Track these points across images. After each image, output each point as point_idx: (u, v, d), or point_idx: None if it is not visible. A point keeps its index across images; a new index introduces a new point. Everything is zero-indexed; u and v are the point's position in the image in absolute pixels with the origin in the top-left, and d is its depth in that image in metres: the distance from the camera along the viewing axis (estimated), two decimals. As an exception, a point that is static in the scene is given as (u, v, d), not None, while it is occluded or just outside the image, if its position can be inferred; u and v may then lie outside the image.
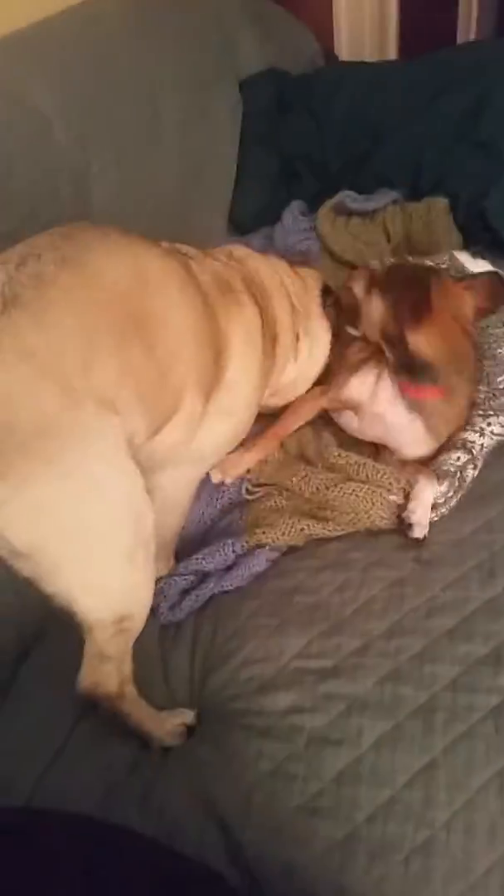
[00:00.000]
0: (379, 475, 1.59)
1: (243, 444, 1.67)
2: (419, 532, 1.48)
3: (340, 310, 1.73)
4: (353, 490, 1.56)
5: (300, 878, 1.07)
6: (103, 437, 1.07)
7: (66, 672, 1.24)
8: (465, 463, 1.60)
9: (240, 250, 1.64)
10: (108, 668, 1.21)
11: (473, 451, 1.61)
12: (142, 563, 1.16)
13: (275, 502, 1.64)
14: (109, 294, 1.13)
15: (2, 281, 1.05)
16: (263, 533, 1.54)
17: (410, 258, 2.11)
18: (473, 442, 1.62)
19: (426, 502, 1.51)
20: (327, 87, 2.68)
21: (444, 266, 2.01)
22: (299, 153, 2.64)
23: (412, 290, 1.58)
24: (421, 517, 1.49)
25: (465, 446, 1.61)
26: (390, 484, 1.56)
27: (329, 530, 1.54)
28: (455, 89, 2.52)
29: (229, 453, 1.64)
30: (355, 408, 1.68)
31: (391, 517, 1.53)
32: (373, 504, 1.54)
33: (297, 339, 1.68)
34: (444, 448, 1.63)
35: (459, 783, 1.11)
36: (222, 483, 1.70)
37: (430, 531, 1.50)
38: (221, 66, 2.61)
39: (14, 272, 1.07)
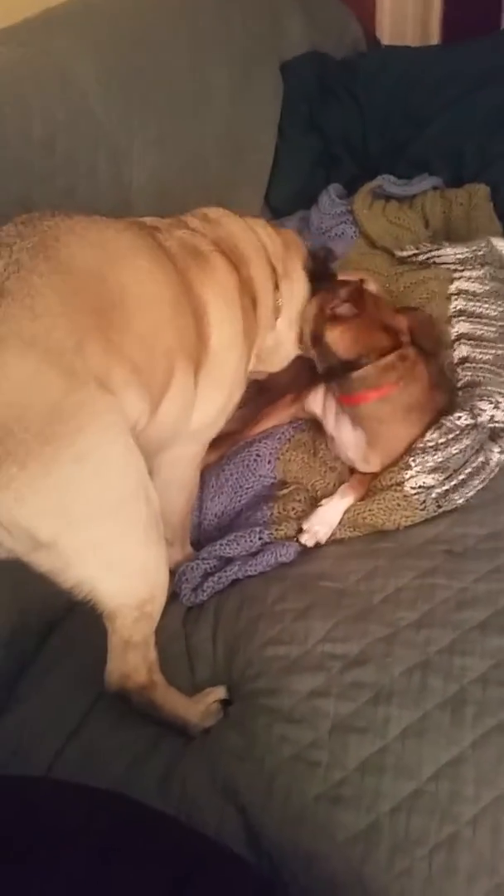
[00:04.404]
0: (384, 480, 1.56)
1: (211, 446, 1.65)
2: (307, 539, 1.50)
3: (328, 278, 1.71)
4: (368, 509, 1.52)
5: (320, 866, 1.06)
6: (110, 415, 1.07)
7: (91, 646, 1.24)
8: (469, 428, 1.58)
9: (215, 211, 1.60)
10: (134, 658, 1.20)
11: (479, 417, 1.58)
12: (156, 541, 1.17)
13: (303, 497, 1.62)
14: (83, 275, 1.14)
15: None
16: (290, 527, 1.53)
17: (446, 243, 2.08)
18: (483, 410, 1.59)
19: (328, 515, 1.52)
20: (370, 72, 2.67)
21: (480, 252, 1.98)
22: (339, 137, 2.62)
23: (329, 294, 1.60)
24: (314, 524, 1.51)
25: (472, 411, 1.59)
26: (399, 483, 1.53)
27: (359, 533, 1.53)
28: (499, 77, 2.49)
29: None
30: (318, 421, 1.70)
31: (414, 511, 1.50)
32: (390, 513, 1.50)
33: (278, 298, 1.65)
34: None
35: (488, 779, 1.08)
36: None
37: (462, 523, 1.48)
38: (264, 48, 2.59)
39: None
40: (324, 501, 1.54)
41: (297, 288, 1.67)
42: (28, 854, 0.80)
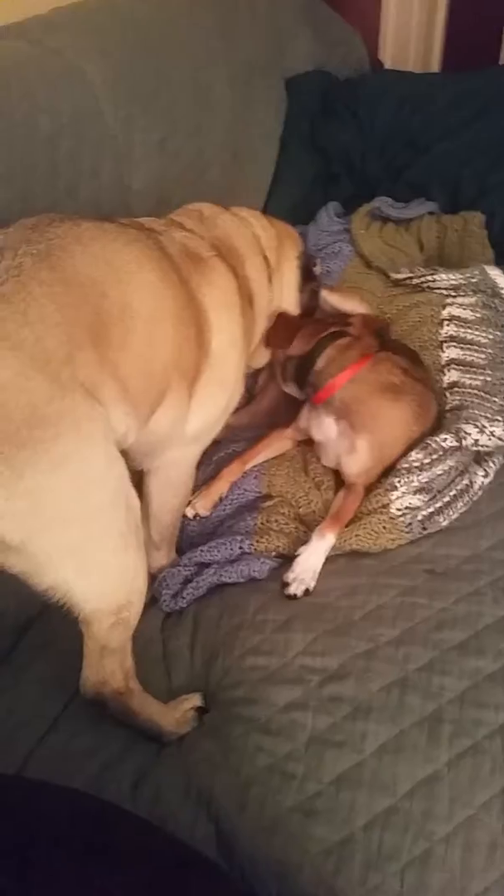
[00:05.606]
0: (370, 504, 1.55)
1: (212, 477, 1.68)
2: (294, 589, 1.43)
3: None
4: (355, 534, 1.49)
5: (292, 878, 1.06)
6: (93, 424, 1.06)
7: (65, 647, 1.23)
8: (453, 449, 1.60)
9: (209, 208, 1.61)
10: (111, 664, 1.19)
11: (464, 441, 1.60)
12: (134, 548, 1.16)
13: (287, 511, 1.61)
14: (86, 289, 1.13)
15: None
16: (271, 540, 1.52)
17: (440, 269, 2.11)
18: (468, 433, 1.60)
19: (309, 562, 1.46)
20: (373, 94, 2.69)
21: (474, 280, 2.00)
22: (339, 156, 2.63)
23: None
24: (298, 574, 1.44)
25: (458, 434, 1.60)
26: (385, 505, 1.53)
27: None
28: (498, 109, 2.52)
29: (193, 496, 1.63)
30: (311, 436, 1.70)
31: (399, 534, 1.50)
32: (376, 536, 1.49)
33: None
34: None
35: (462, 798, 1.09)
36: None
37: (445, 544, 1.49)
38: (269, 62, 2.60)
39: None
40: (301, 549, 1.48)
41: (286, 280, 1.71)
42: (5, 853, 0.80)
